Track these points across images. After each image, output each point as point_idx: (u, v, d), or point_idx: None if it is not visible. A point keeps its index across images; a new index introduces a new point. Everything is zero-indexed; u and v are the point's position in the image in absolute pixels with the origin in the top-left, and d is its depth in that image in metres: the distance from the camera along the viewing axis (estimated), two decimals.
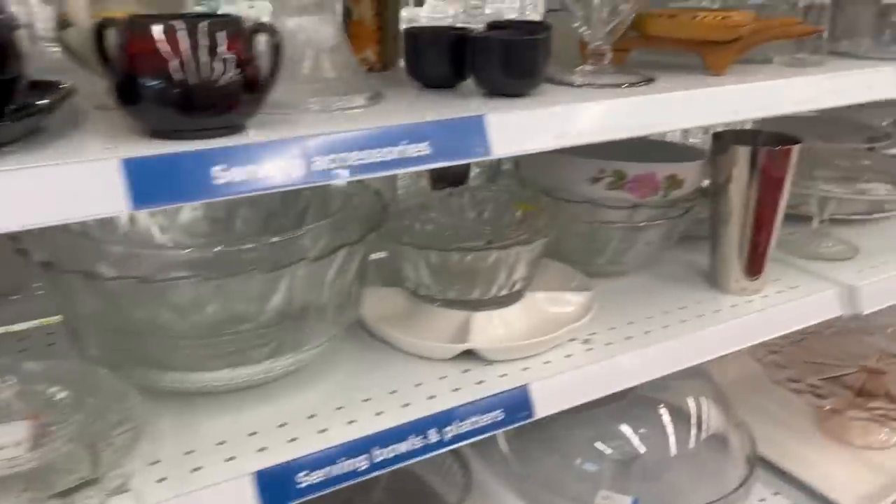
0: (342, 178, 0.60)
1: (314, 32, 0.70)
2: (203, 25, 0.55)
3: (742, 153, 0.95)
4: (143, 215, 0.88)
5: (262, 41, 0.57)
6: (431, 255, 0.87)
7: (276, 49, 0.58)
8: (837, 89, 0.88)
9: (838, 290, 1.04)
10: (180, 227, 0.92)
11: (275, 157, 0.58)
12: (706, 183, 1.03)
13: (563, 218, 0.99)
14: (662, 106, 0.77)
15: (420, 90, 0.80)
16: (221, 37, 0.55)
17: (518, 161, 1.10)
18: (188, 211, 0.92)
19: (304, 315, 0.75)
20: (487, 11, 1.55)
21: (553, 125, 0.71)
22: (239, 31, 0.56)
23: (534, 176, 1.03)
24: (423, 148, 0.64)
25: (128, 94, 0.56)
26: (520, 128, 0.69)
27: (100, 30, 0.58)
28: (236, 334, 0.73)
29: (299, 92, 0.70)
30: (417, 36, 0.79)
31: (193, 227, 0.93)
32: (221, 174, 0.56)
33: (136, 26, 0.55)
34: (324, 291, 0.75)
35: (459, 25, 0.87)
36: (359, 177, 0.61)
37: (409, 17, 1.45)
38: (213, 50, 0.55)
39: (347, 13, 0.90)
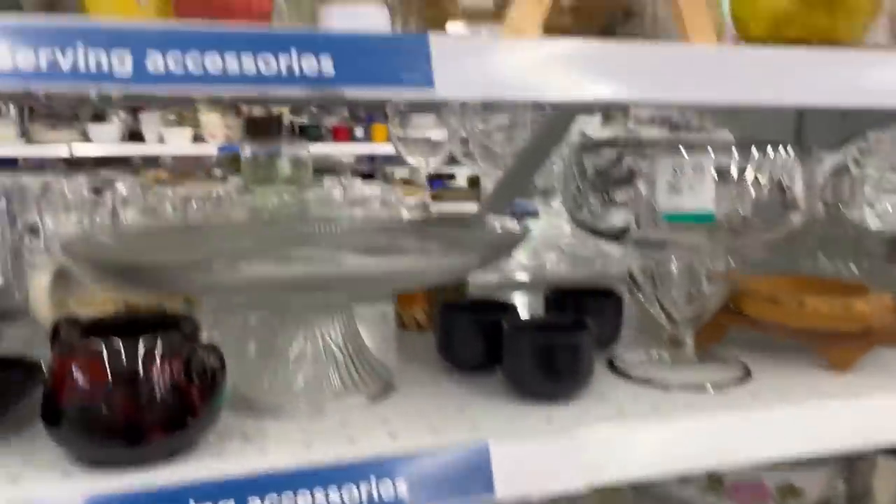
0: None
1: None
2: (133, 348, 0.47)
3: (888, 467, 0.72)
4: None
5: (198, 361, 0.48)
6: None
7: (215, 373, 0.49)
8: None
9: None
10: None
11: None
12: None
13: None
14: (751, 431, 0.59)
15: (448, 373, 0.68)
16: (151, 360, 0.47)
17: None
18: None
19: None
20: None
21: (587, 457, 0.56)
22: (175, 352, 0.48)
23: None
24: (401, 490, 0.51)
25: (51, 415, 0.49)
26: (535, 462, 0.54)
27: (55, 331, 0.53)
28: None
29: (288, 386, 0.60)
30: (446, 310, 0.67)
31: None
32: None
33: (64, 346, 0.49)
34: None
35: (499, 302, 0.73)
36: None
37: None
38: (140, 374, 0.47)
39: None
